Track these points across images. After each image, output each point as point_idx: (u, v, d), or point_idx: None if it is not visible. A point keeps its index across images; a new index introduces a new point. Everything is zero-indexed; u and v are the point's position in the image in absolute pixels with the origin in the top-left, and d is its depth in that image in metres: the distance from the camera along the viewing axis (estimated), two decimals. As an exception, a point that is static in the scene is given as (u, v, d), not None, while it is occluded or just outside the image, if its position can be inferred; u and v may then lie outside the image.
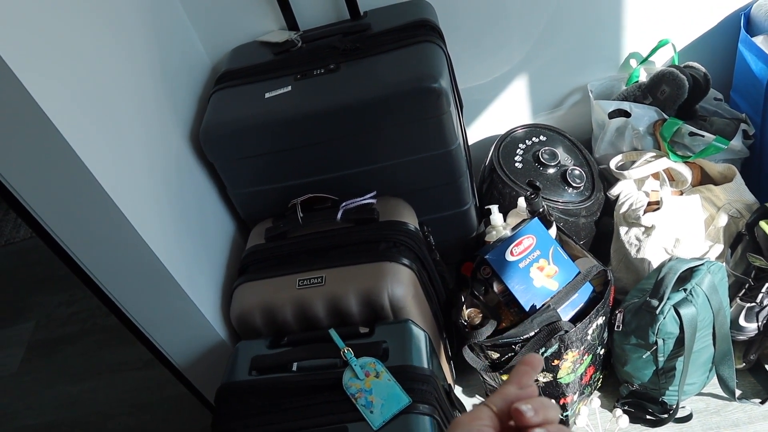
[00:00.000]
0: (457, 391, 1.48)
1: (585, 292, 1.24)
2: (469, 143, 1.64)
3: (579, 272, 1.24)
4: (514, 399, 0.45)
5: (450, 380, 1.41)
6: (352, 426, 0.96)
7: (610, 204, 1.49)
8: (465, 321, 1.27)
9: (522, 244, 1.24)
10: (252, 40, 1.42)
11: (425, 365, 1.02)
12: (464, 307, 1.30)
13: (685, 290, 1.21)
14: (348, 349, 1.01)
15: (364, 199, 1.23)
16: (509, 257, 1.23)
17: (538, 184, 1.39)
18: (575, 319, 1.21)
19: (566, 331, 1.16)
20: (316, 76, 1.22)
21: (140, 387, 1.69)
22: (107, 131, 0.95)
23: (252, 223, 1.33)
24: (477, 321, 1.29)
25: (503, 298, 1.24)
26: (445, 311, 1.31)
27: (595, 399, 1.32)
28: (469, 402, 1.46)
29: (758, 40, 1.42)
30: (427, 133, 1.18)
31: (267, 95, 1.21)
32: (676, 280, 1.23)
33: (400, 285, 1.11)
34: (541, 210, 1.32)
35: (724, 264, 1.29)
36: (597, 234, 1.51)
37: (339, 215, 1.20)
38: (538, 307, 1.20)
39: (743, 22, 1.44)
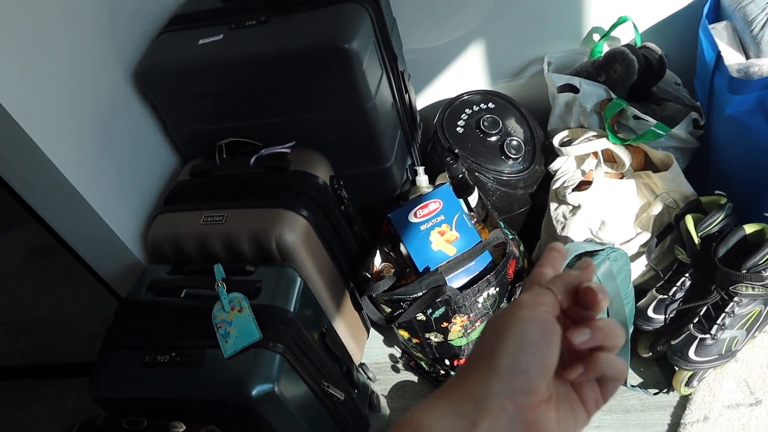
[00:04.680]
0: (377, 340, 1.55)
1: (482, 261, 1.27)
2: (424, 104, 1.67)
3: (479, 241, 1.27)
4: (575, 283, 0.44)
5: (363, 330, 1.49)
6: (210, 351, 1.05)
7: (551, 178, 1.49)
8: (369, 274, 1.33)
9: (427, 208, 1.28)
10: (212, -15, 1.48)
11: (290, 308, 1.10)
12: (376, 261, 1.36)
13: (578, 272, 1.22)
14: (221, 284, 1.10)
15: (281, 148, 1.29)
16: (412, 218, 1.28)
17: (456, 150, 1.40)
18: (467, 286, 1.25)
19: (449, 296, 1.21)
20: (248, 27, 1.28)
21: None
22: (22, 55, 1.04)
23: (192, 159, 1.43)
24: (389, 275, 1.35)
25: (408, 258, 1.29)
26: (357, 263, 1.37)
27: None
28: (384, 351, 1.54)
29: (720, 26, 1.36)
30: (341, 89, 1.22)
31: (201, 41, 1.28)
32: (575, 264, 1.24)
33: (291, 232, 1.18)
34: (460, 176, 1.35)
35: (627, 252, 1.29)
36: (533, 207, 1.52)
37: (252, 161, 1.27)
38: (431, 270, 1.25)
39: (708, 6, 1.38)
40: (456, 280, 1.24)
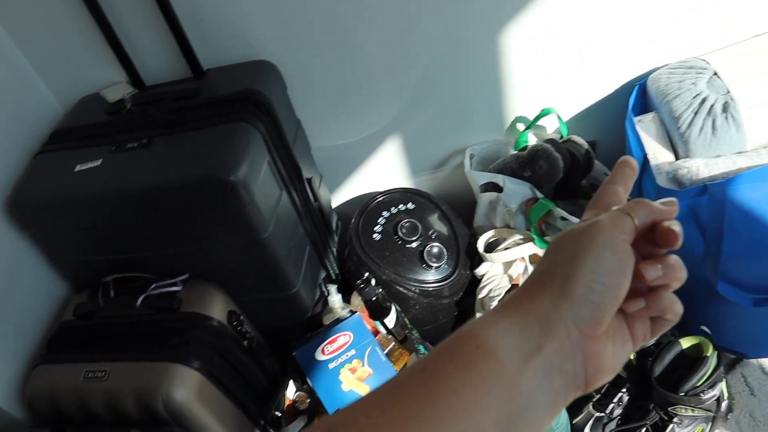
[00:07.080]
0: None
1: (400, 397, 1.15)
2: (342, 200, 1.56)
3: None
4: (657, 217, 0.41)
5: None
6: None
7: (477, 282, 1.38)
8: (279, 412, 1.21)
9: (336, 342, 1.17)
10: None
11: (176, 490, 0.97)
12: (290, 391, 1.24)
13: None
14: (94, 468, 0.97)
15: (173, 282, 1.17)
16: (319, 356, 1.16)
17: (367, 274, 1.28)
18: (384, 428, 1.13)
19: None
20: (128, 150, 1.15)
21: None
22: None
23: (82, 287, 1.29)
24: (304, 406, 1.23)
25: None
26: (267, 397, 1.24)
27: None
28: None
29: (647, 119, 1.27)
30: (230, 222, 1.10)
31: (77, 168, 1.15)
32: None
33: (181, 389, 1.05)
34: (374, 299, 1.24)
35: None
36: (460, 314, 1.41)
37: (139, 302, 1.14)
38: (343, 413, 1.13)
39: (634, 96, 1.29)
40: (372, 422, 1.13)
